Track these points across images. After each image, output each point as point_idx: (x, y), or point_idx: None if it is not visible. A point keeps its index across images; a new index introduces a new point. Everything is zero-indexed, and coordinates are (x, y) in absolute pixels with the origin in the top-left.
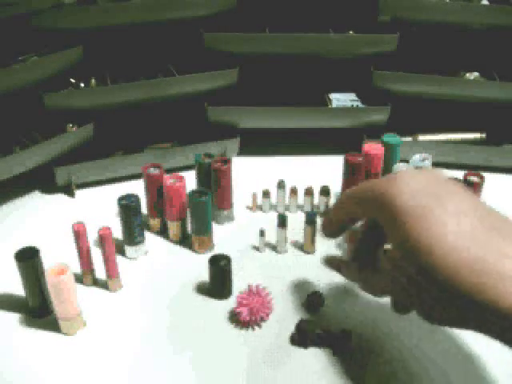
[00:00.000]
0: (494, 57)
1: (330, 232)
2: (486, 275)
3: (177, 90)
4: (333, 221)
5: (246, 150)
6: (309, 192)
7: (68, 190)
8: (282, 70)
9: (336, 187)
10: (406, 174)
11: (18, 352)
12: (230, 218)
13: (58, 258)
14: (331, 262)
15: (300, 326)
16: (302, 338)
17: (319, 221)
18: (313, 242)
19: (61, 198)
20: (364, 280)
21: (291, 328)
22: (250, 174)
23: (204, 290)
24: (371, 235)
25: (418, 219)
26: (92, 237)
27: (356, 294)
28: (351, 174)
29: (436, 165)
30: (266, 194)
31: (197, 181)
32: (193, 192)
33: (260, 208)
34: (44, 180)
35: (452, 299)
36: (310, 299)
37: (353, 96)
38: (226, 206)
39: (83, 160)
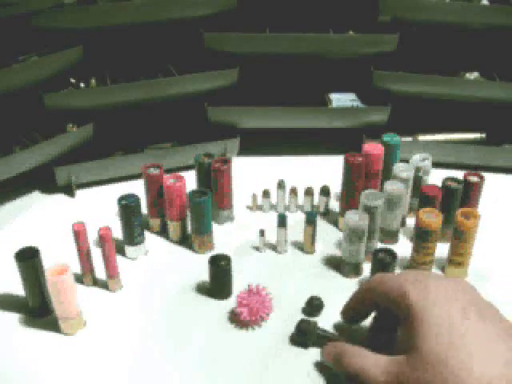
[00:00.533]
0: (494, 57)
1: (350, 319)
2: None
3: (177, 90)
4: (351, 309)
5: (246, 150)
6: (309, 192)
7: (68, 190)
8: (282, 70)
9: (336, 187)
10: (441, 290)
11: (18, 352)
12: (230, 218)
13: (58, 258)
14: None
15: (300, 327)
16: (302, 338)
17: (319, 221)
18: (313, 242)
19: (61, 197)
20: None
21: (291, 328)
22: (250, 174)
23: (204, 289)
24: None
25: (436, 334)
26: (92, 237)
27: None
28: (351, 173)
29: (436, 165)
30: (266, 193)
31: (197, 181)
32: (193, 192)
33: (260, 208)
34: (44, 180)
35: None
36: (310, 305)
37: (353, 96)
38: (226, 206)
39: (83, 160)
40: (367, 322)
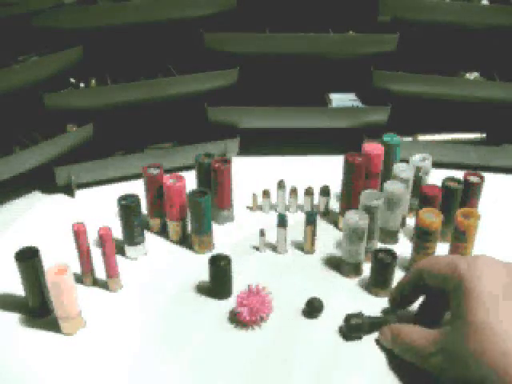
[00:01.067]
0: (494, 57)
1: (398, 304)
2: None
3: (177, 90)
4: (401, 293)
5: (246, 150)
6: (309, 192)
7: (68, 190)
8: (282, 70)
9: (336, 187)
10: (488, 264)
11: (18, 352)
12: (230, 218)
13: (58, 258)
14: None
15: (351, 324)
16: (356, 333)
17: (319, 221)
18: (313, 242)
19: (61, 197)
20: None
21: (291, 328)
22: (250, 174)
23: (204, 290)
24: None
25: (489, 314)
26: (92, 237)
27: (355, 294)
28: (351, 174)
29: (436, 165)
30: (266, 193)
31: (197, 181)
32: (193, 192)
33: (260, 208)
34: (44, 180)
35: None
36: (309, 306)
37: (353, 96)
38: (226, 206)
39: (83, 160)
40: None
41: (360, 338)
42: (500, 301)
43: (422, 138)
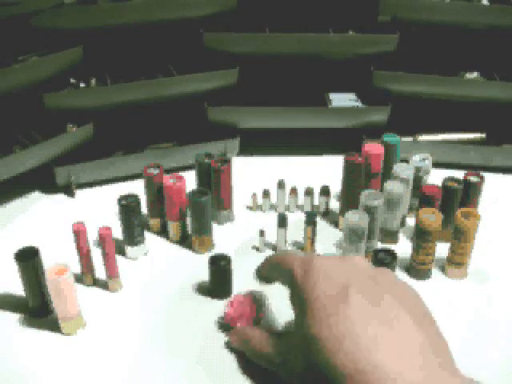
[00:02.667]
0: (494, 57)
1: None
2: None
3: (177, 90)
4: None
5: (246, 149)
6: (309, 192)
7: (68, 190)
8: (282, 70)
9: (336, 187)
10: (323, 265)
11: (18, 352)
12: (230, 218)
13: (58, 258)
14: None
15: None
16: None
17: (319, 221)
18: (313, 242)
19: (61, 198)
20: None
21: (291, 329)
22: (250, 174)
23: (204, 289)
24: None
25: (323, 313)
26: (92, 237)
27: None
28: (351, 174)
29: (436, 165)
30: (266, 193)
31: (197, 181)
32: (193, 192)
33: (260, 208)
34: (44, 180)
35: None
36: None
37: (353, 96)
38: (226, 205)
39: (83, 160)
40: None
41: None
42: (332, 312)
43: (422, 138)
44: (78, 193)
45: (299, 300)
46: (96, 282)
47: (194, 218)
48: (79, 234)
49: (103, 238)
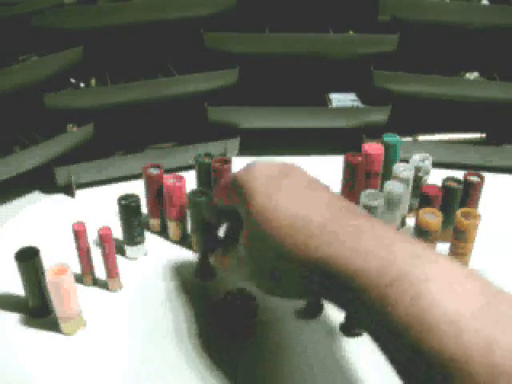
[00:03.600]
0: (494, 57)
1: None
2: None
3: (177, 90)
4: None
5: (246, 150)
6: None
7: (68, 190)
8: (282, 70)
9: (336, 187)
10: (260, 164)
11: (18, 352)
12: None
13: (58, 258)
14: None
15: None
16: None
17: None
18: None
19: (61, 197)
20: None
21: (291, 328)
22: None
23: (204, 289)
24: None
25: (264, 197)
26: (92, 237)
27: None
28: (351, 173)
29: (436, 165)
30: None
31: (197, 181)
32: (193, 192)
33: None
34: (44, 180)
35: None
36: (309, 307)
37: (353, 96)
38: None
39: (83, 160)
40: None
41: (360, 334)
42: (274, 189)
43: (422, 137)
44: (78, 193)
45: (243, 191)
46: (96, 282)
47: (194, 218)
48: (79, 234)
49: (103, 238)
